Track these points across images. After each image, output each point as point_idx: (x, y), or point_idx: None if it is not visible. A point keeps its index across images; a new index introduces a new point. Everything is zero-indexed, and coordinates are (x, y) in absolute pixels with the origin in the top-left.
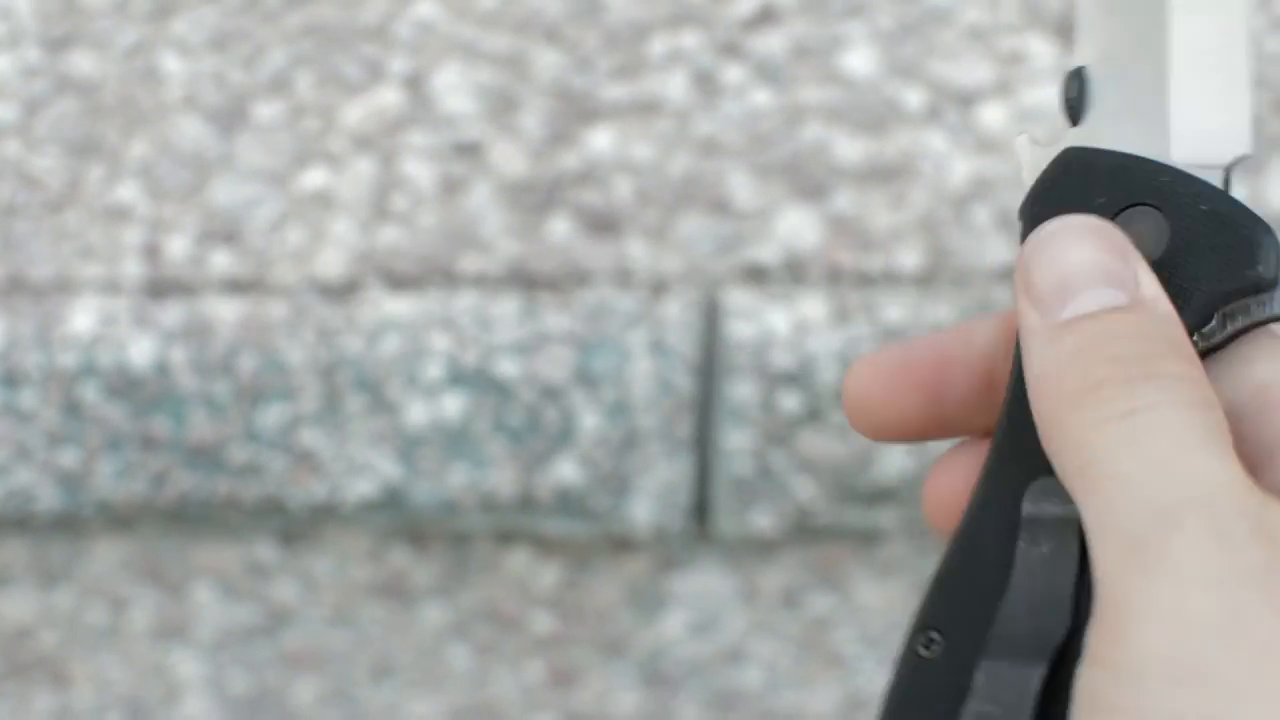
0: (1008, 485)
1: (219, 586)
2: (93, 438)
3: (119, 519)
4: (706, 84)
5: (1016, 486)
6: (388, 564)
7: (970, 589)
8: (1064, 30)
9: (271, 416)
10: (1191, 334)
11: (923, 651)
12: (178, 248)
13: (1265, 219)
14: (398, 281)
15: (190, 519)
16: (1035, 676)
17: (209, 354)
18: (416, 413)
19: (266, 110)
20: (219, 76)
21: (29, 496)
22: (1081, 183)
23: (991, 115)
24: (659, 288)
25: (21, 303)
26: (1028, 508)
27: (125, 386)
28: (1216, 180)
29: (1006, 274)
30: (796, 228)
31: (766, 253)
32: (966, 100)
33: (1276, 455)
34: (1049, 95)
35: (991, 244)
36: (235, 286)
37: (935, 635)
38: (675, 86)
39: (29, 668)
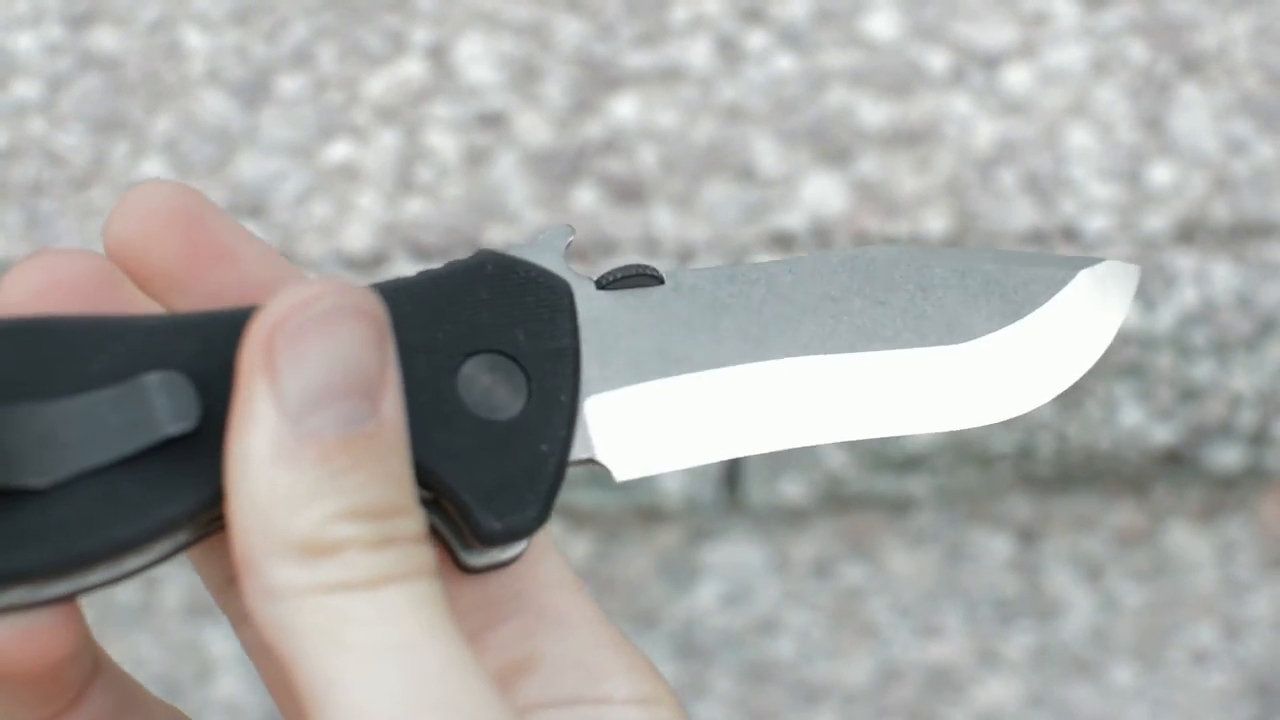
0: (178, 346)
1: None
2: None
3: None
4: (729, 50)
5: (178, 357)
6: None
7: (41, 352)
8: None
9: None
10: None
11: None
12: None
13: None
14: (424, 253)
15: None
16: None
17: None
18: None
19: (290, 83)
20: (241, 50)
21: None
22: (529, 305)
23: (1016, 77)
24: (686, 256)
25: None
26: (150, 380)
27: None
28: (581, 453)
29: (1032, 237)
30: (822, 193)
31: (793, 219)
32: (990, 62)
33: (530, 670)
34: (1073, 56)
35: (1018, 207)
36: None
37: None
38: (698, 53)
39: None
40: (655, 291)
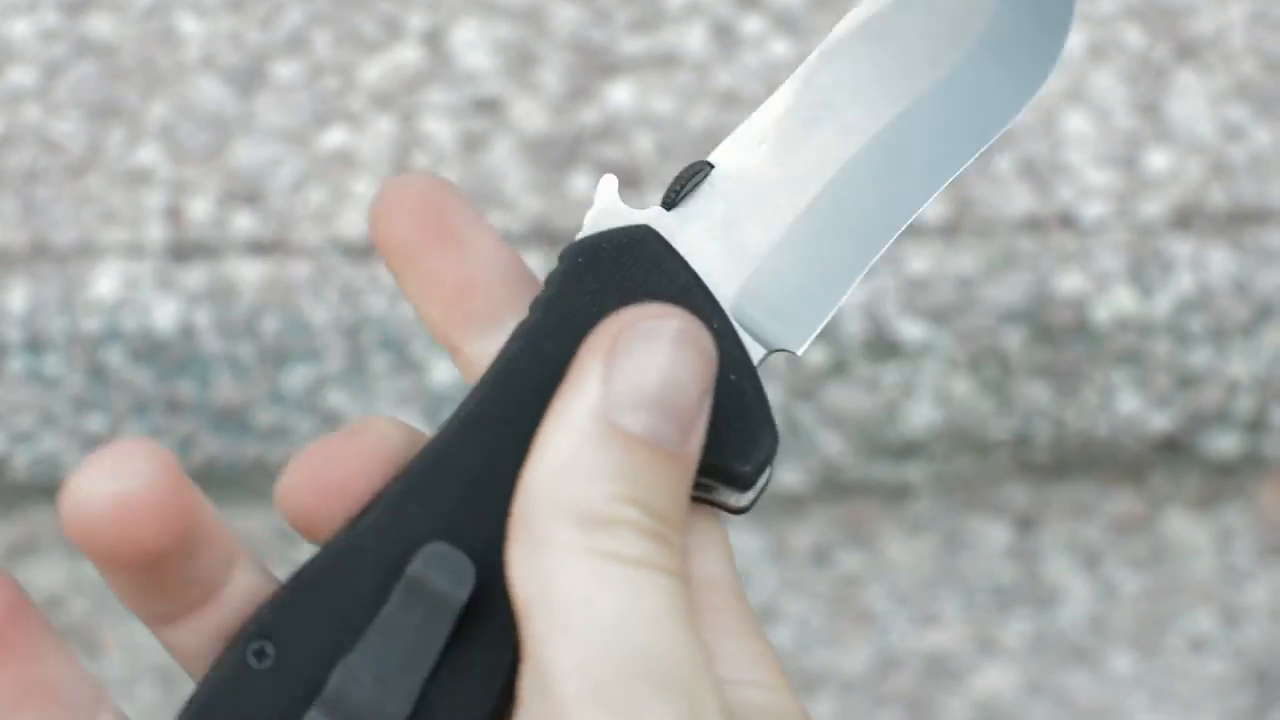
0: (405, 524)
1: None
2: (118, 402)
3: None
4: (725, 35)
5: (414, 531)
6: None
7: (322, 616)
8: None
9: (297, 378)
10: None
11: (253, 662)
12: (200, 210)
13: (774, 420)
14: None
15: (218, 483)
16: None
17: (233, 316)
18: (442, 372)
19: (285, 70)
20: (237, 37)
21: (56, 463)
22: (634, 268)
23: None
24: None
25: (45, 268)
26: (416, 567)
27: (150, 350)
28: (756, 354)
29: (1029, 224)
30: None
31: None
32: None
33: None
34: (1070, 41)
35: (1014, 193)
36: (258, 248)
37: (269, 648)
38: (694, 38)
39: (60, 635)
40: (714, 180)
